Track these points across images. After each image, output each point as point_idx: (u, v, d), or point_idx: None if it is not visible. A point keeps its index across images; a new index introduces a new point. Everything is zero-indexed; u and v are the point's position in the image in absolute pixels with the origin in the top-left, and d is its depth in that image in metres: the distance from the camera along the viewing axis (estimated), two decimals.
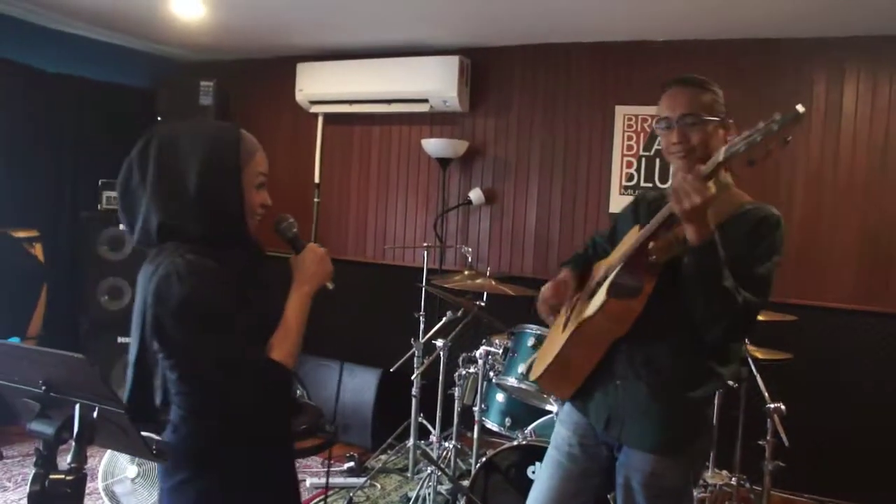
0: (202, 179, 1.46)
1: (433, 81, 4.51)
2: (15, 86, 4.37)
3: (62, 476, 1.36)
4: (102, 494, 3.17)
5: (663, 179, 4.17)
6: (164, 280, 1.40)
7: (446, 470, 3.64)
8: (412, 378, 3.89)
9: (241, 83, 5.25)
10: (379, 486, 3.84)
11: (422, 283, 4.15)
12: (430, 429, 4.03)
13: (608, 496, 2.31)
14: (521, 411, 3.32)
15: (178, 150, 1.48)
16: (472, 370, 3.60)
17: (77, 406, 1.44)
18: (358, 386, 4.43)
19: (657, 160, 4.18)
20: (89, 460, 1.42)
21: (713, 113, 1.84)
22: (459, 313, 3.70)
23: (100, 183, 4.50)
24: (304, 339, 1.57)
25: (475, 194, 4.62)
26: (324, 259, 1.64)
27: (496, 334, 3.54)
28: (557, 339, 2.04)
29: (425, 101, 4.60)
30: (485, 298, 3.71)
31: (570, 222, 4.48)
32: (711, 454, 3.40)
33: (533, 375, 2.11)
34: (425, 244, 4.38)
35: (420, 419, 3.96)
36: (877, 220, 3.79)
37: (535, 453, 2.81)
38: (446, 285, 3.66)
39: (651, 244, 1.78)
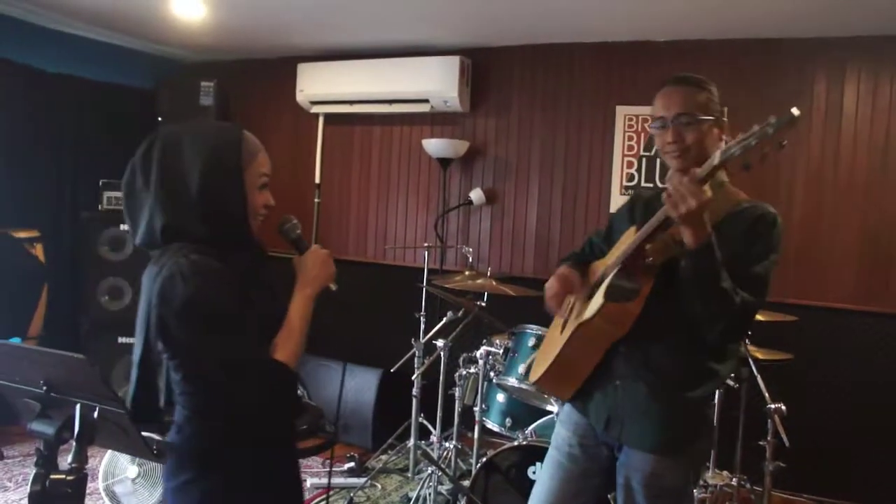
0: (204, 180, 1.46)
1: (434, 82, 4.51)
2: (15, 86, 4.37)
3: (63, 476, 1.36)
4: (103, 494, 3.17)
5: (664, 180, 4.16)
6: (168, 281, 1.41)
7: (447, 470, 3.64)
8: (413, 378, 3.90)
9: (242, 83, 5.25)
10: (379, 486, 3.84)
11: (422, 283, 4.15)
12: (431, 429, 4.03)
13: (608, 496, 2.32)
14: (522, 411, 3.32)
15: (180, 152, 1.48)
16: (472, 370, 3.60)
17: (78, 406, 1.44)
18: (358, 386, 4.44)
19: (658, 160, 4.18)
20: (90, 460, 1.42)
21: (708, 112, 1.83)
22: (460, 313, 3.70)
23: (100, 183, 4.50)
24: (306, 340, 1.57)
25: (476, 194, 4.62)
26: (327, 261, 1.65)
27: (497, 334, 3.54)
28: (556, 340, 2.04)
29: (426, 101, 4.60)
30: (485, 299, 3.71)
31: (570, 222, 4.48)
32: (712, 454, 3.40)
33: (532, 377, 2.11)
34: (426, 244, 4.38)
35: (420, 419, 3.96)
36: (877, 220, 3.79)
37: (535, 453, 2.81)
38: (447, 285, 3.66)
39: (647, 246, 1.77)
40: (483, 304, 3.62)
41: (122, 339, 4.38)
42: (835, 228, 3.87)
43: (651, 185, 4.20)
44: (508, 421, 3.34)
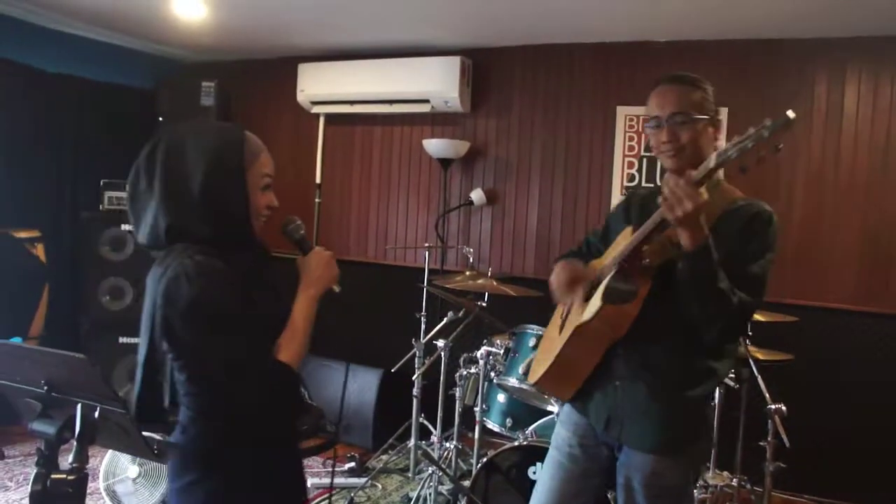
0: (206, 181, 1.47)
1: (435, 82, 4.51)
2: (16, 86, 4.37)
3: (64, 476, 1.37)
4: (104, 494, 3.17)
5: (662, 180, 4.17)
6: (173, 281, 1.41)
7: (447, 470, 3.64)
8: (413, 378, 3.90)
9: (243, 84, 5.25)
10: (380, 486, 3.84)
11: (423, 283, 4.15)
12: (431, 429, 4.03)
13: (608, 496, 2.32)
14: (522, 412, 3.32)
15: (183, 153, 1.49)
16: (473, 370, 3.60)
17: (79, 406, 1.44)
18: (359, 386, 4.44)
19: (658, 161, 4.18)
20: (90, 460, 1.42)
21: (703, 111, 1.83)
22: (461, 314, 3.70)
23: (101, 183, 4.51)
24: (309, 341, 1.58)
25: (476, 195, 4.62)
26: (330, 262, 1.66)
27: (497, 335, 3.54)
28: (555, 341, 2.04)
29: (427, 101, 4.60)
30: (486, 299, 3.70)
31: (571, 223, 4.48)
32: (712, 454, 3.40)
33: (532, 378, 2.11)
34: (427, 244, 4.38)
35: (421, 419, 3.96)
36: (877, 220, 3.79)
37: (535, 454, 2.81)
38: (447, 286, 3.66)
39: (644, 247, 1.77)
40: (483, 304, 3.62)
41: (122, 339, 4.38)
42: (835, 229, 3.87)
43: (651, 185, 4.20)
44: (509, 421, 3.34)
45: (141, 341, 1.51)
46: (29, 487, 1.38)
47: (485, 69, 4.66)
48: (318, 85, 4.89)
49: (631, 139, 4.28)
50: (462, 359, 3.71)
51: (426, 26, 4.25)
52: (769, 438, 2.98)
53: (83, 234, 4.50)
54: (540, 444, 2.79)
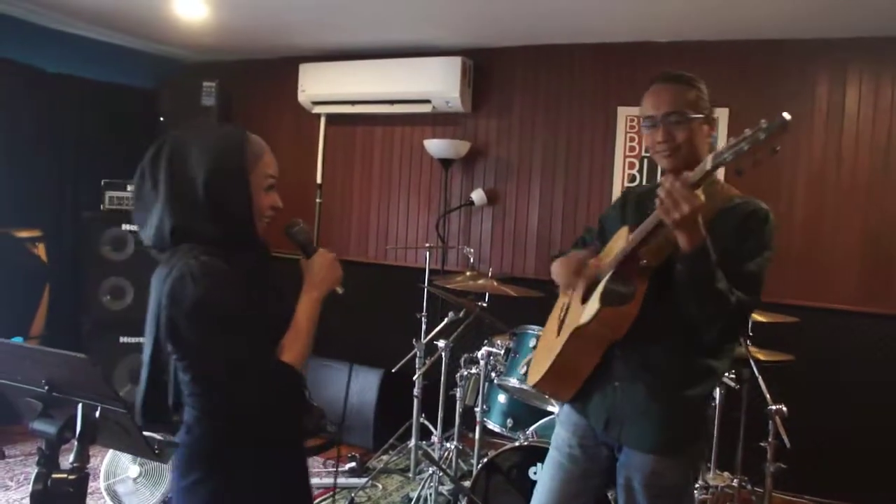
0: (209, 183, 1.49)
1: (435, 82, 4.51)
2: (17, 86, 4.38)
3: (64, 475, 1.37)
4: (104, 494, 3.17)
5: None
6: (178, 282, 1.43)
7: (448, 470, 3.64)
8: (414, 379, 3.89)
9: (244, 84, 5.25)
10: (380, 486, 3.84)
11: (424, 283, 4.15)
12: (432, 429, 4.03)
13: (608, 495, 2.32)
14: (523, 412, 3.32)
15: (186, 156, 1.50)
16: (473, 371, 3.60)
17: (79, 406, 1.44)
18: (360, 386, 4.44)
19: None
20: (91, 460, 1.42)
21: (698, 110, 1.82)
22: (461, 314, 3.70)
23: (102, 183, 4.50)
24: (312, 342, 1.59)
25: (477, 195, 4.62)
26: (334, 264, 1.67)
27: (498, 335, 3.54)
28: (553, 343, 2.03)
29: (427, 101, 4.60)
30: (486, 299, 3.70)
31: (571, 223, 4.48)
32: (713, 455, 3.40)
33: (531, 380, 2.10)
34: (427, 245, 4.38)
35: (422, 420, 3.96)
36: (879, 221, 3.79)
37: (536, 454, 2.81)
38: (448, 286, 3.66)
39: (642, 248, 1.77)
40: (484, 304, 3.62)
41: (123, 339, 4.38)
42: (836, 229, 3.87)
43: (647, 183, 4.20)
44: (509, 421, 3.34)
45: (146, 341, 1.52)
46: (30, 487, 1.38)
47: (486, 69, 4.66)
48: (320, 85, 4.89)
49: (632, 139, 4.28)
50: (463, 359, 3.71)
51: (427, 26, 4.25)
52: (770, 439, 2.98)
53: (84, 233, 4.50)
54: (541, 445, 2.79)
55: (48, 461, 1.40)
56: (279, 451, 1.60)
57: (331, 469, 3.96)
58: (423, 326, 4.14)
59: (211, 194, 1.48)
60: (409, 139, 4.94)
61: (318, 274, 1.64)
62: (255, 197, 1.54)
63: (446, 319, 3.80)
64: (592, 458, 1.99)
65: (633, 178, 4.28)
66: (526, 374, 3.07)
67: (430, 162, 4.80)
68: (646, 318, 1.78)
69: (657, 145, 1.84)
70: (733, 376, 3.19)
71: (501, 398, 3.42)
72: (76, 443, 1.43)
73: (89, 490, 1.40)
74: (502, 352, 3.35)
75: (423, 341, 3.95)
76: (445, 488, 3.52)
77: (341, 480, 3.84)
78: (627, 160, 4.30)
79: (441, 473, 3.46)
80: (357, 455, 4.03)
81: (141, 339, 4.51)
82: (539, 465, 2.76)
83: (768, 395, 2.95)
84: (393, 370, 4.02)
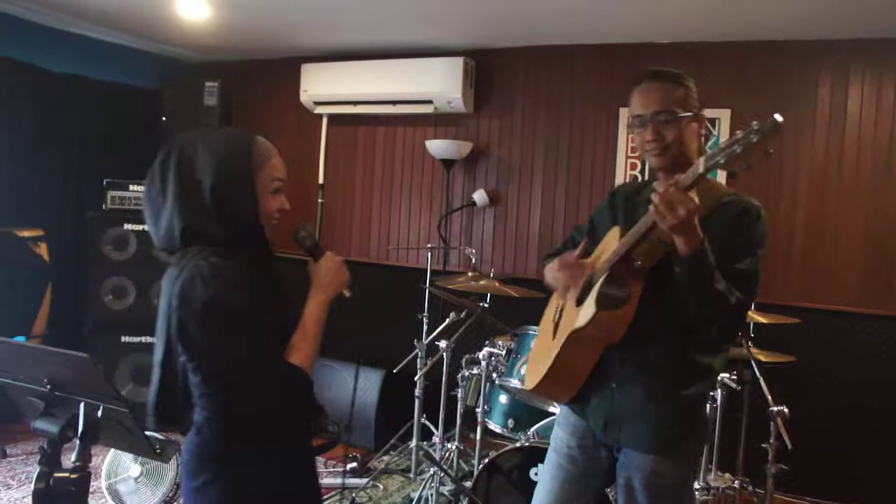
0: (216, 186, 1.50)
1: (437, 83, 4.51)
2: (20, 85, 4.38)
3: (66, 474, 1.37)
4: (106, 493, 3.18)
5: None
6: (188, 283, 1.45)
7: (449, 471, 3.64)
8: (415, 379, 3.89)
9: (246, 84, 5.25)
10: (381, 486, 3.84)
11: (425, 284, 4.15)
12: (433, 430, 4.03)
13: (608, 493, 2.32)
14: (524, 413, 3.32)
15: (194, 159, 1.52)
16: (475, 371, 3.60)
17: (81, 405, 1.45)
18: (361, 387, 4.44)
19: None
20: (93, 459, 1.43)
21: (687, 108, 1.82)
22: (463, 314, 3.70)
23: (105, 182, 4.51)
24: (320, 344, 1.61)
25: (479, 195, 4.62)
26: (341, 268, 1.70)
27: (499, 336, 3.55)
28: (549, 346, 2.02)
29: (430, 102, 4.60)
30: (488, 300, 3.71)
31: (573, 224, 4.46)
32: (714, 456, 3.40)
33: (528, 385, 2.09)
34: (429, 245, 4.38)
35: (423, 420, 3.96)
36: (881, 222, 3.78)
37: (537, 455, 2.81)
38: (450, 286, 3.66)
39: (635, 250, 1.76)
40: (486, 305, 3.62)
41: (125, 339, 4.38)
42: (838, 230, 3.87)
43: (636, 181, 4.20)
44: (511, 422, 3.34)
45: (157, 343, 1.54)
46: (32, 486, 1.38)
47: (488, 70, 4.66)
48: (322, 85, 4.89)
49: (633, 140, 4.27)
50: (464, 360, 3.71)
51: (429, 27, 4.25)
52: (771, 440, 2.98)
53: (86, 233, 4.50)
54: (542, 446, 2.79)
55: (50, 460, 1.40)
56: (288, 452, 1.61)
57: (331, 469, 3.97)
58: (425, 327, 4.14)
59: (217, 197, 1.50)
60: (411, 139, 4.95)
61: (326, 277, 1.67)
62: (261, 199, 1.56)
63: (448, 320, 3.79)
64: (592, 459, 1.99)
65: (634, 179, 4.28)
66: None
67: (431, 162, 4.80)
68: (641, 320, 1.78)
69: (646, 144, 1.84)
70: (735, 377, 3.18)
71: (503, 399, 3.42)
72: (78, 442, 1.43)
73: (90, 489, 1.40)
74: (504, 352, 3.35)
75: (425, 342, 3.95)
76: (446, 489, 3.52)
77: (341, 480, 3.84)
78: (629, 161, 4.30)
79: (442, 474, 3.46)
80: (358, 455, 4.03)
81: (142, 339, 4.53)
82: (540, 465, 2.76)
83: (770, 397, 2.95)
84: (394, 370, 4.03)
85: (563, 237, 4.44)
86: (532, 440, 2.95)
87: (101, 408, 1.45)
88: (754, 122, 1.44)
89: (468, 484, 3.12)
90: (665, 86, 1.84)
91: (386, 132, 5.03)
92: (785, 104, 3.84)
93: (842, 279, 3.86)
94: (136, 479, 3.16)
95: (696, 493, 3.06)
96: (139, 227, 4.36)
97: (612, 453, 1.96)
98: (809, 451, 3.11)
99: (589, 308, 1.81)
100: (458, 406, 3.68)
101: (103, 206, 4.52)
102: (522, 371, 3.12)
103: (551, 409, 3.16)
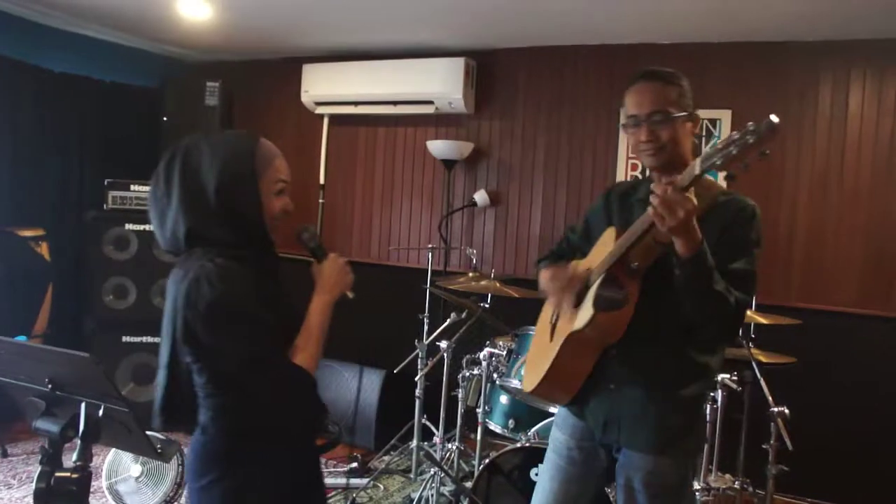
0: (220, 187, 1.51)
1: (439, 83, 4.51)
2: (21, 86, 4.39)
3: (67, 474, 1.37)
4: (106, 493, 3.18)
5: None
6: (193, 284, 1.45)
7: (449, 471, 3.64)
8: (416, 379, 3.90)
9: (247, 84, 5.26)
10: (382, 486, 3.84)
11: (426, 284, 4.15)
12: (434, 430, 4.03)
13: (608, 493, 2.32)
14: (525, 413, 3.32)
15: (199, 161, 1.54)
16: (475, 372, 3.60)
17: (82, 404, 1.45)
18: (362, 387, 4.44)
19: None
20: (93, 458, 1.43)
21: (681, 108, 1.82)
22: (463, 315, 3.70)
23: (106, 182, 4.51)
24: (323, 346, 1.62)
25: (480, 196, 4.62)
26: (344, 269, 1.71)
27: (500, 336, 3.54)
28: (546, 348, 2.02)
29: (431, 102, 4.61)
30: (489, 300, 3.71)
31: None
32: (714, 457, 3.40)
33: (527, 387, 2.09)
34: (430, 246, 4.38)
35: (423, 420, 3.96)
36: (882, 223, 3.78)
37: (538, 455, 2.80)
38: (450, 287, 3.66)
39: (631, 251, 1.76)
40: (486, 305, 3.62)
41: (126, 338, 4.39)
42: (839, 232, 3.87)
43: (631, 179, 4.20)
44: (511, 422, 3.34)
45: (163, 344, 1.55)
46: (33, 485, 1.38)
47: (489, 71, 4.66)
48: (323, 86, 4.89)
49: (628, 140, 4.27)
50: (465, 360, 3.71)
51: (430, 27, 4.26)
52: (772, 441, 2.97)
53: (87, 233, 4.51)
54: (542, 446, 2.78)
55: (51, 460, 1.40)
56: (293, 451, 1.62)
57: (331, 469, 3.97)
58: (426, 327, 4.14)
59: (222, 199, 1.51)
60: (412, 140, 4.95)
61: (330, 279, 1.68)
62: (265, 201, 1.57)
63: (448, 320, 3.79)
64: (591, 460, 1.99)
65: (633, 179, 4.28)
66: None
67: (432, 163, 4.80)
68: (639, 320, 1.78)
69: (641, 144, 1.85)
70: (735, 378, 3.18)
71: (503, 399, 3.42)
72: (79, 441, 1.44)
73: (91, 489, 1.40)
74: (504, 353, 3.35)
75: (426, 342, 3.95)
76: (447, 489, 3.52)
77: (342, 480, 3.84)
78: (630, 161, 4.30)
79: (443, 474, 3.46)
80: (359, 455, 4.03)
81: (143, 339, 4.54)
82: (541, 466, 2.75)
83: (770, 397, 2.95)
84: (395, 371, 4.03)
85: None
86: (533, 440, 2.95)
87: (103, 407, 1.45)
88: (750, 124, 1.44)
89: (468, 484, 3.12)
90: (659, 86, 1.84)
91: (387, 132, 5.03)
92: (786, 105, 3.84)
93: (842, 280, 3.86)
94: (136, 478, 3.16)
95: (697, 493, 3.06)
96: (140, 227, 4.37)
97: (611, 454, 1.96)
98: (810, 452, 3.10)
99: (587, 310, 1.81)
100: (459, 406, 3.68)
101: (104, 206, 4.52)
102: (523, 371, 3.12)
103: (552, 410, 3.15)
